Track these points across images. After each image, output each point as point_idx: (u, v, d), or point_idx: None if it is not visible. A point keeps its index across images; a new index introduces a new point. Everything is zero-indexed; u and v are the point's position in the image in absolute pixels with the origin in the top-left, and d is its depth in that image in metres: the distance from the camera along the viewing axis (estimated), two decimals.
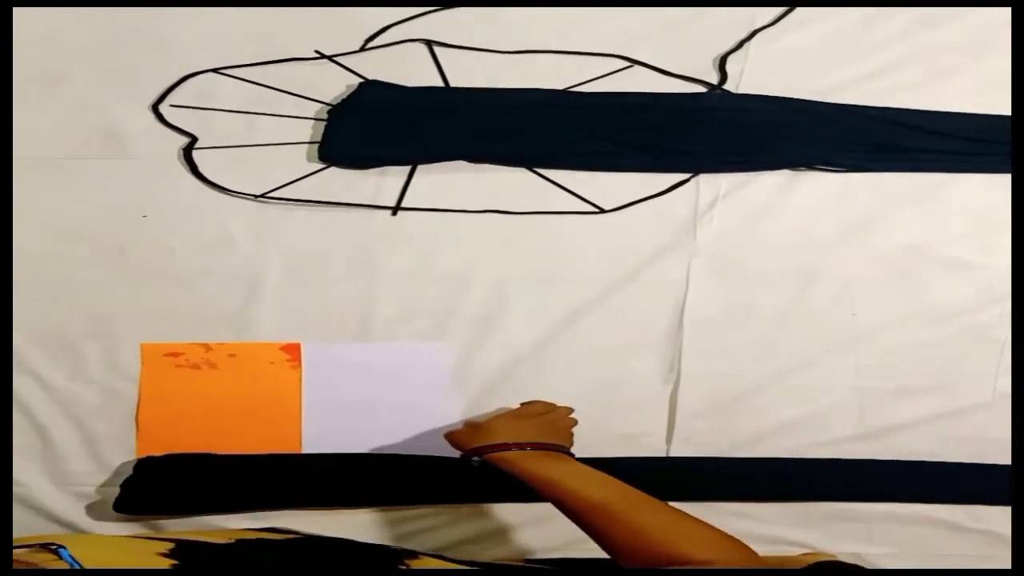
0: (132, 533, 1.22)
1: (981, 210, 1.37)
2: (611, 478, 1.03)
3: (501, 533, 1.28)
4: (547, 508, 1.05)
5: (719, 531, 0.93)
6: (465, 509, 1.28)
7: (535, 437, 1.11)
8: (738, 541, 0.91)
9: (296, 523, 1.25)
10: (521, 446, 1.09)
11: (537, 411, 1.18)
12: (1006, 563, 1.22)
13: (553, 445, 1.12)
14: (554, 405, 1.21)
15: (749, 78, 1.44)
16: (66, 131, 1.43)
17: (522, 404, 1.22)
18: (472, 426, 1.17)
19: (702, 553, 0.89)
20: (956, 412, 1.30)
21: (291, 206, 1.39)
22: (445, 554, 1.21)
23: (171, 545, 0.83)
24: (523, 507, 1.27)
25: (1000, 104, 1.41)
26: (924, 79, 1.43)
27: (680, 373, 1.31)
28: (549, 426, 1.15)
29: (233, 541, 0.95)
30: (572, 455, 1.13)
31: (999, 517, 1.25)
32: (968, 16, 1.46)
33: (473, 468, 1.13)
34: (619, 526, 0.95)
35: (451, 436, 1.18)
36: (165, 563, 0.78)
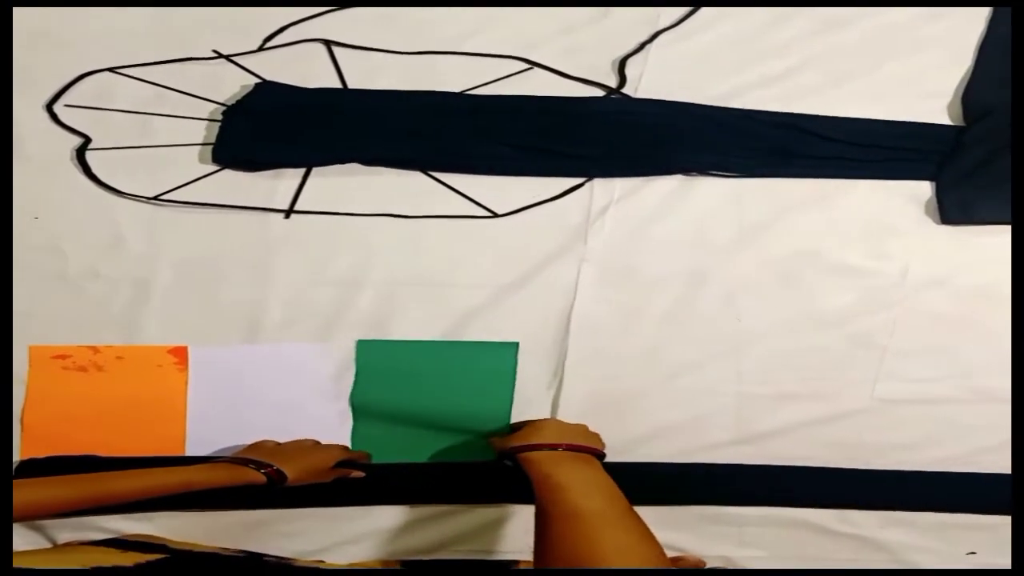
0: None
1: (874, 217, 1.36)
2: (614, 490, 1.01)
3: (372, 535, 1.27)
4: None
5: (663, 557, 0.90)
6: (342, 511, 1.27)
7: (573, 439, 1.12)
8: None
9: (177, 525, 1.24)
10: (553, 447, 1.09)
11: (568, 423, 1.20)
12: (876, 566, 1.24)
13: (586, 448, 1.12)
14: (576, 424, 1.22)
15: (648, 81, 1.43)
16: None
17: None
18: (520, 425, 1.20)
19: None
20: (833, 417, 1.28)
21: (183, 208, 1.37)
22: (324, 559, 1.20)
23: None
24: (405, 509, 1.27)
25: (898, 110, 1.40)
26: (824, 84, 1.42)
27: (563, 378, 1.29)
28: (586, 433, 1.18)
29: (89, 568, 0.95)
30: (603, 457, 1.15)
31: (869, 521, 1.25)
32: (869, 19, 1.46)
33: (506, 468, 1.16)
34: (579, 537, 0.92)
35: (494, 440, 1.21)
36: None
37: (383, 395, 1.31)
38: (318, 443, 1.25)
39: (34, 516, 1.05)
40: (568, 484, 1.01)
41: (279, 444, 1.23)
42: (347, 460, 1.23)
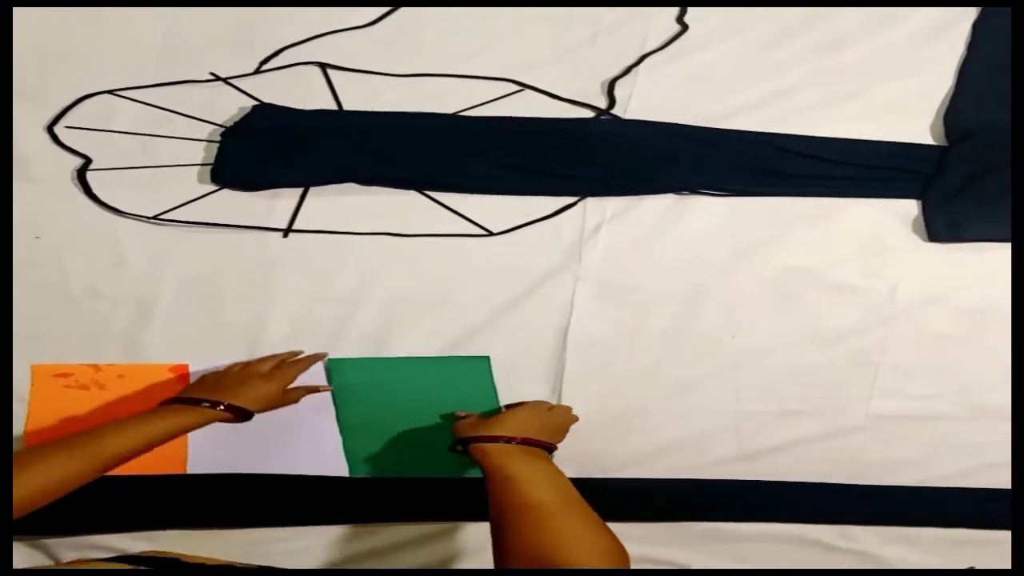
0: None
1: (868, 235, 1.38)
2: (564, 482, 1.04)
3: (384, 552, 1.28)
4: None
5: (617, 544, 0.93)
6: (342, 529, 1.29)
7: (528, 433, 1.14)
8: (626, 557, 0.91)
9: (180, 543, 1.25)
10: (509, 439, 1.11)
11: (543, 408, 1.22)
12: None
13: (540, 442, 1.14)
14: (551, 404, 1.25)
15: (637, 102, 1.46)
16: None
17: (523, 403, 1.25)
18: (480, 416, 1.21)
19: (586, 562, 0.88)
20: (831, 434, 1.29)
21: (184, 228, 1.39)
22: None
23: None
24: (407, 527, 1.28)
25: (892, 130, 1.43)
26: (812, 105, 1.45)
27: (561, 395, 1.31)
28: (550, 424, 1.19)
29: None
30: (554, 450, 1.16)
31: (870, 537, 1.25)
32: (864, 41, 1.49)
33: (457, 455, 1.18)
34: (533, 527, 0.95)
35: (457, 424, 1.21)
36: None
37: (364, 412, 1.33)
38: (262, 373, 1.25)
39: (41, 502, 1.04)
40: (520, 475, 1.03)
41: (219, 376, 1.25)
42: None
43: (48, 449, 1.07)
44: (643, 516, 1.26)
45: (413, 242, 1.40)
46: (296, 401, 1.26)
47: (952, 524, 1.24)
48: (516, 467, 1.05)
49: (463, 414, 1.25)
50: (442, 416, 1.31)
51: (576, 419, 1.25)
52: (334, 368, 1.33)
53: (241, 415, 1.19)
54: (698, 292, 1.35)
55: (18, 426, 1.33)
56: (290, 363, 1.28)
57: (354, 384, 1.32)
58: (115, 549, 1.26)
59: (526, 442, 1.12)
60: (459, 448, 1.16)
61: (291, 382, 1.26)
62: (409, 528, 1.27)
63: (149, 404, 1.30)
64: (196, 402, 1.18)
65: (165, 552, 1.20)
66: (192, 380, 1.29)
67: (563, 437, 1.22)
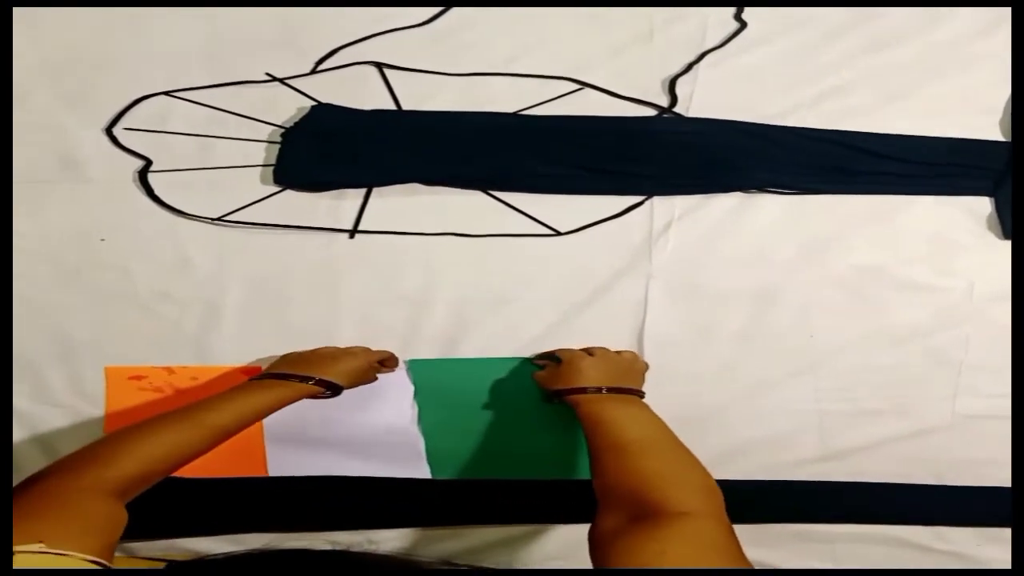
0: None
1: (935, 232, 1.38)
2: (658, 422, 1.08)
3: (481, 551, 1.31)
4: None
5: (710, 480, 0.96)
6: (426, 533, 1.32)
7: (614, 381, 1.17)
8: (719, 494, 0.94)
9: (265, 546, 1.29)
10: (597, 389, 1.15)
11: (613, 355, 1.25)
12: None
13: (629, 389, 1.18)
14: (623, 351, 1.29)
15: (699, 100, 1.46)
16: (22, 152, 1.43)
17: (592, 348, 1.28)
18: (558, 366, 1.24)
19: (678, 504, 0.90)
20: (916, 433, 1.31)
21: (248, 229, 1.40)
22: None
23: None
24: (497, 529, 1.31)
25: (950, 127, 1.43)
26: (875, 102, 1.45)
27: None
28: (628, 370, 1.23)
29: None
30: (643, 395, 1.19)
31: (966, 538, 1.28)
32: (920, 38, 1.49)
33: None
34: (628, 464, 0.98)
35: (538, 376, 1.27)
36: None
37: (444, 413, 1.35)
38: (348, 349, 1.30)
39: (157, 474, 1.03)
40: (612, 419, 1.08)
41: (311, 354, 1.29)
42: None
43: (156, 422, 1.07)
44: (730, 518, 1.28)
45: (480, 242, 1.40)
46: (372, 379, 1.29)
47: None
48: (612, 412, 1.09)
49: (542, 363, 1.29)
50: (520, 418, 1.34)
51: (647, 365, 1.29)
52: (413, 369, 1.34)
53: (331, 388, 1.21)
54: (770, 291, 1.36)
55: (94, 429, 1.34)
56: (365, 348, 1.31)
57: (433, 385, 1.34)
58: (200, 552, 1.27)
59: (616, 390, 1.16)
60: (556, 400, 1.20)
61: (376, 359, 1.29)
62: (493, 530, 1.30)
63: None
64: (286, 377, 1.19)
65: None
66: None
67: (643, 381, 1.25)
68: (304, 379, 1.20)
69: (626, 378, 1.21)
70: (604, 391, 1.16)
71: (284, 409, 1.18)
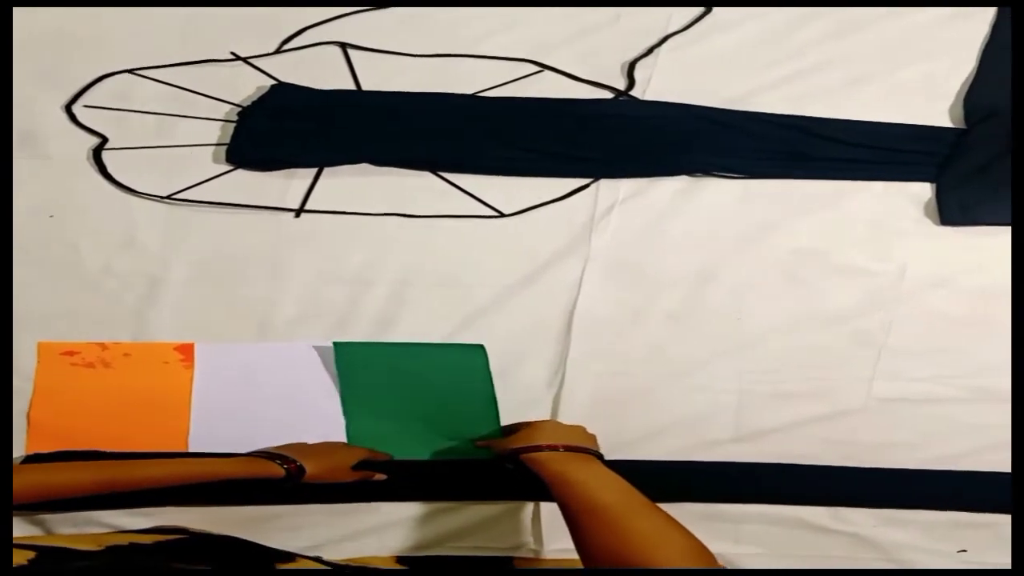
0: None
1: (878, 219, 1.36)
2: (625, 484, 1.03)
3: (371, 532, 1.25)
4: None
5: (696, 542, 0.91)
6: (342, 507, 1.25)
7: (572, 441, 1.13)
8: (709, 554, 0.90)
9: (176, 519, 1.23)
10: (553, 447, 1.10)
11: (564, 424, 1.21)
12: (869, 564, 1.21)
13: (585, 448, 1.13)
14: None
15: (657, 84, 1.43)
16: None
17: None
18: (515, 427, 1.21)
19: (670, 562, 0.87)
20: (830, 415, 1.27)
21: (197, 207, 1.38)
22: (323, 556, 1.19)
23: (31, 555, 0.83)
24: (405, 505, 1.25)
25: (912, 112, 1.41)
26: (833, 87, 1.43)
27: (564, 376, 1.28)
28: (582, 434, 1.18)
29: (103, 548, 0.95)
30: (602, 457, 1.14)
31: (863, 519, 1.23)
32: (885, 22, 1.46)
33: (506, 470, 1.17)
34: (609, 528, 0.94)
35: (492, 442, 1.22)
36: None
37: (366, 396, 1.30)
38: (346, 444, 1.26)
39: (51, 496, 1.04)
40: (581, 480, 1.03)
41: (307, 444, 1.23)
42: (370, 461, 1.23)
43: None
44: None
45: (425, 223, 1.38)
46: (349, 480, 1.22)
47: (946, 507, 1.21)
48: (577, 473, 1.05)
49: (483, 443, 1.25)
50: (438, 403, 1.30)
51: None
52: (339, 351, 1.30)
53: (296, 476, 1.15)
54: (707, 274, 1.34)
55: (23, 403, 1.30)
56: (365, 449, 1.26)
57: (357, 368, 1.30)
58: (112, 526, 1.23)
59: (571, 449, 1.12)
60: (509, 465, 1.15)
61: (360, 458, 1.23)
62: (407, 506, 1.26)
63: (152, 382, 1.31)
64: (272, 457, 1.15)
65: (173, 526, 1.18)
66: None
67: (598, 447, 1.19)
68: (282, 460, 1.14)
69: (583, 439, 1.16)
70: (561, 449, 1.11)
71: (216, 381, 1.23)
